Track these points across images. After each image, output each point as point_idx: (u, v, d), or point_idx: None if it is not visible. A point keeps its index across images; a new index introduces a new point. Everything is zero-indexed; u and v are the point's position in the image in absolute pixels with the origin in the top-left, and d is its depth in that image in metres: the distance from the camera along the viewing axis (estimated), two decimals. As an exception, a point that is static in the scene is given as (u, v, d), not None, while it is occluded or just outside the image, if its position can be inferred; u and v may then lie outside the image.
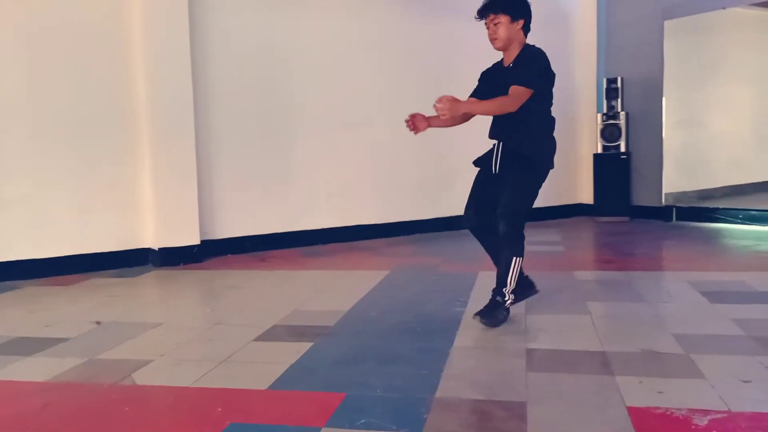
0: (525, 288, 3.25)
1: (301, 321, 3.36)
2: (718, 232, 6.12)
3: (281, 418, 2.16)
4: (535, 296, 3.35)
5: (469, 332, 3.04)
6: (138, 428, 2.12)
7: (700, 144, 7.84)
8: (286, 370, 2.59)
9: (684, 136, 7.28)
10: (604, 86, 7.05)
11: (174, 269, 4.91)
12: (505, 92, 3.03)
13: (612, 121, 6.96)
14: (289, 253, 5.43)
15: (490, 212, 3.14)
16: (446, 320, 3.24)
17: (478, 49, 6.69)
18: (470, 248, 5.48)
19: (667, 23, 6.75)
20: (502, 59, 3.24)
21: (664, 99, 6.82)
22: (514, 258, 3.07)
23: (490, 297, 3.15)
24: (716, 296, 3.57)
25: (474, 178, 3.35)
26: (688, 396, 2.21)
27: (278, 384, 2.44)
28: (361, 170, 6.06)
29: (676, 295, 3.69)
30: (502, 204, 3.03)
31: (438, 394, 2.29)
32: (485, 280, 4.18)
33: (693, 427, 1.96)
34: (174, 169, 4.97)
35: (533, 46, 3.16)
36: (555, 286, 3.98)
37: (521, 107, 3.02)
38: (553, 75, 3.14)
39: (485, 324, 3.06)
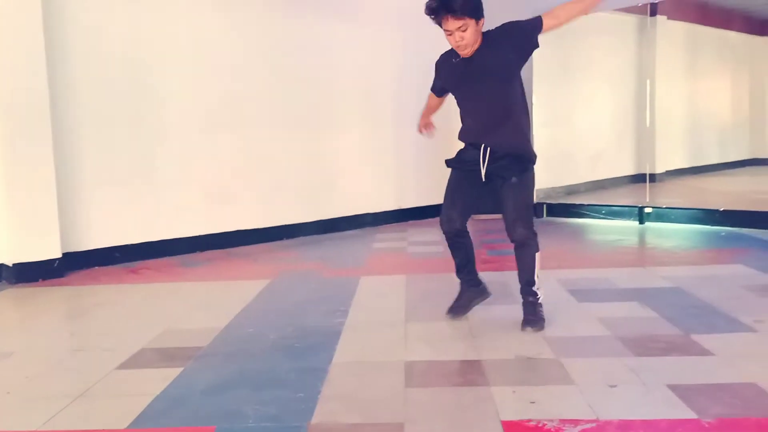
0: (479, 293, 3.33)
1: (172, 342, 3.15)
2: (584, 228, 6.47)
3: (144, 461, 1.99)
4: (453, 303, 3.37)
5: (350, 345, 2.98)
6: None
7: (565, 141, 8.25)
8: (151, 402, 2.41)
9: (550, 134, 7.62)
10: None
11: (32, 286, 4.48)
12: (474, 85, 2.95)
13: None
14: (164, 264, 5.12)
15: (469, 216, 3.17)
16: (327, 333, 3.16)
17: (357, 50, 6.71)
18: (353, 252, 5.48)
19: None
20: (452, 53, 3.00)
21: (533, 98, 7.10)
22: (537, 254, 3.12)
23: (524, 301, 3.16)
24: (583, 295, 3.75)
25: (451, 180, 3.21)
26: (560, 405, 2.27)
27: (140, 421, 2.26)
28: (240, 173, 5.83)
29: (547, 295, 3.81)
30: (515, 209, 3.02)
31: (314, 420, 2.20)
32: (367, 286, 4.16)
33: (563, 439, 2.01)
34: (28, 174, 4.53)
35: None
36: (436, 289, 4.02)
37: (506, 104, 2.97)
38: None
39: (537, 330, 3.05)
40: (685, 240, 5.52)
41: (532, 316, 3.14)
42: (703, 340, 2.87)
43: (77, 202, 4.90)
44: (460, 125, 3.21)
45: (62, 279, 4.65)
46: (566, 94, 8.12)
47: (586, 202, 7.14)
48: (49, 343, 3.28)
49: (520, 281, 3.18)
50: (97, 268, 4.95)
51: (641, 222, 6.53)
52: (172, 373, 2.71)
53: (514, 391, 2.40)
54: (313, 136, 6.33)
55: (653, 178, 8.50)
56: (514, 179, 2.99)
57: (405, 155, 7.09)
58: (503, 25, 2.99)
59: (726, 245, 5.19)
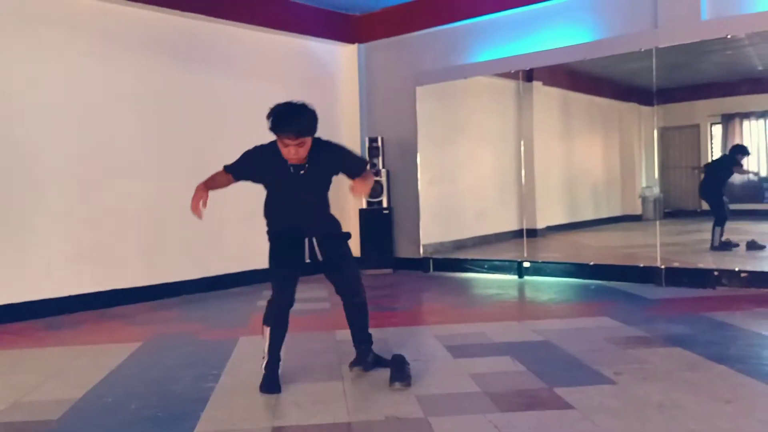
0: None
1: (19, 416, 2.90)
2: (468, 282, 6.65)
3: None
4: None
5: (216, 412, 2.86)
6: None
7: (452, 198, 8.54)
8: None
9: (437, 191, 7.88)
10: (367, 145, 7.41)
11: None
12: (297, 189, 3.21)
13: (375, 178, 7.30)
14: (27, 327, 4.77)
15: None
16: (194, 400, 3.03)
17: (242, 107, 6.71)
18: (235, 310, 5.33)
19: (418, 89, 7.32)
20: (276, 151, 3.15)
21: (418, 157, 7.35)
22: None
23: (381, 357, 3.44)
24: (459, 350, 3.82)
25: (281, 263, 3.35)
26: (423, 465, 2.27)
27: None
28: (118, 228, 5.59)
29: (424, 351, 3.88)
30: (354, 277, 3.43)
31: (168, 496, 2.08)
32: (246, 347, 4.04)
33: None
34: None
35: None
36: (314, 348, 3.97)
37: (322, 194, 3.35)
38: None
39: (407, 385, 3.11)
40: (559, 293, 5.79)
41: (400, 371, 3.18)
42: (566, 393, 2.98)
43: None
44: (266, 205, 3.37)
45: None
46: (451, 152, 8.44)
47: (470, 257, 7.38)
48: None
49: (365, 338, 3.46)
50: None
51: (520, 276, 6.80)
52: (18, 449, 2.49)
53: (379, 454, 2.38)
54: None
55: (534, 233, 8.92)
56: (342, 253, 3.39)
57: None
58: (337, 149, 3.32)
59: (594, 298, 5.49)
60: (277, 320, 3.23)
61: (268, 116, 3.06)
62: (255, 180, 3.33)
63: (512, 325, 4.55)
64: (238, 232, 6.54)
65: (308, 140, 3.09)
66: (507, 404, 2.87)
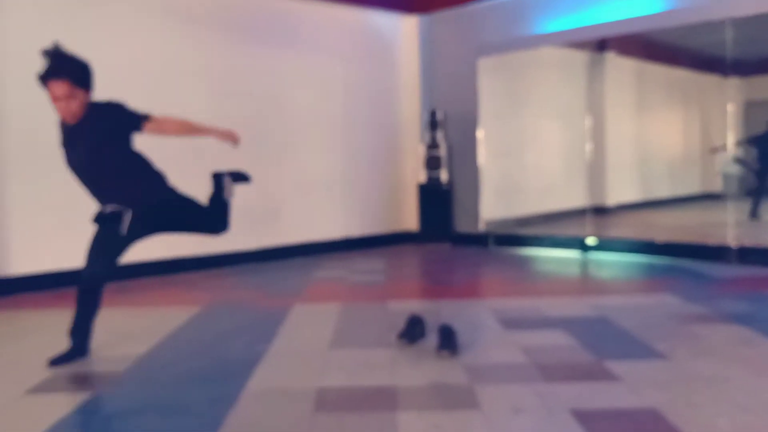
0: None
1: (89, 367, 3.09)
2: (528, 258, 6.56)
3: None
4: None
5: (266, 374, 2.95)
6: None
7: (515, 173, 8.40)
8: (52, 427, 2.36)
9: (500, 166, 7.77)
10: (427, 118, 7.36)
11: (-46, 312, 4.36)
12: (72, 151, 3.07)
13: (434, 153, 7.28)
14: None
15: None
16: (245, 361, 3.13)
17: (304, 79, 6.78)
18: (292, 280, 5.45)
19: (481, 61, 7.20)
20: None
21: (479, 131, 7.25)
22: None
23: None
24: (511, 323, 3.79)
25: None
26: (461, 428, 2.29)
27: (38, 447, 2.21)
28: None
29: (477, 323, 3.86)
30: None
31: (212, 446, 2.18)
32: (299, 314, 4.15)
33: (456, 463, 2.02)
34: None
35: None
36: (366, 318, 4.03)
37: (99, 169, 3.15)
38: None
39: (454, 354, 3.09)
40: (622, 271, 5.63)
41: (447, 341, 3.18)
42: (615, 366, 2.92)
43: (2, 229, 4.80)
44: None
45: (-13, 305, 4.54)
46: (514, 127, 8.28)
47: (532, 233, 7.26)
48: (-42, 369, 3.19)
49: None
50: (24, 294, 4.84)
51: (584, 253, 6.65)
52: (82, 397, 2.67)
53: (419, 417, 2.40)
54: (260, 162, 6.34)
55: (604, 210, 8.68)
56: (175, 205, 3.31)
57: (354, 185, 7.13)
58: (109, 105, 3.09)
59: (659, 276, 5.31)
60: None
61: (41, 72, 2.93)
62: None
63: (569, 300, 4.47)
64: (298, 205, 6.67)
65: (78, 92, 2.93)
66: (553, 375, 2.84)
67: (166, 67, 5.69)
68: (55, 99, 2.90)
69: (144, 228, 3.20)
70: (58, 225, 5.03)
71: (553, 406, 2.47)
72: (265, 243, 6.36)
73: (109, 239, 3.13)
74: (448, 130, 7.43)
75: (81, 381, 2.91)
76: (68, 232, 5.10)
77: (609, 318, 3.85)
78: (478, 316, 4.04)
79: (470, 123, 7.30)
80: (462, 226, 7.51)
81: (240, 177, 3.76)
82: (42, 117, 4.97)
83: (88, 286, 3.14)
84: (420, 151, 7.38)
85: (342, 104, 7.03)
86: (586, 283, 5.29)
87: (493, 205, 7.54)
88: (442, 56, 7.64)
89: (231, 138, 3.26)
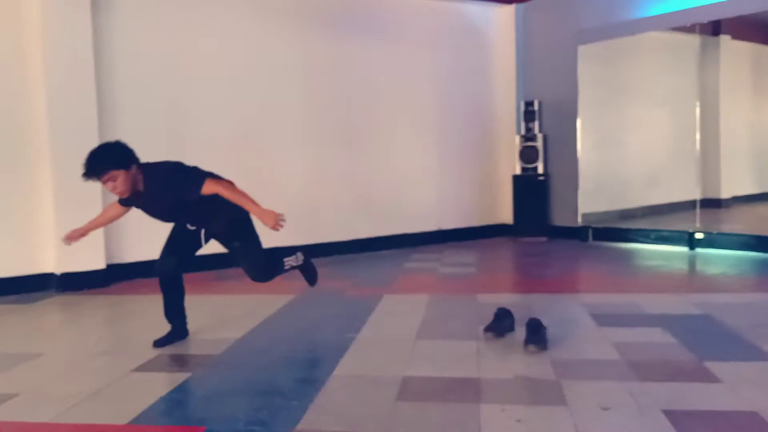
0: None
1: (188, 350, 3.29)
2: (629, 253, 6.29)
3: (131, 457, 2.10)
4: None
5: (354, 360, 3.02)
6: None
7: (619, 165, 8.06)
8: (154, 403, 2.53)
9: (601, 158, 7.48)
10: (522, 109, 7.21)
11: (77, 295, 4.75)
12: (154, 211, 3.41)
13: (530, 143, 7.12)
14: (200, 277, 5.30)
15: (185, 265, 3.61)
16: (335, 348, 3.21)
17: (395, 70, 6.82)
18: (383, 271, 5.52)
19: (581, 48, 6.96)
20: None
21: (579, 121, 7.01)
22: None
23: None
24: (605, 319, 3.66)
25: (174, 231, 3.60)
26: (545, 424, 2.25)
27: (139, 419, 2.38)
28: (273, 191, 5.98)
29: (569, 318, 3.76)
30: (253, 267, 3.62)
31: (299, 426, 2.26)
32: (388, 304, 4.20)
33: (537, 457, 1.99)
34: (77, 192, 4.81)
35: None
36: (454, 310, 4.02)
37: (189, 211, 3.45)
38: None
39: (542, 349, 3.06)
40: (732, 267, 5.28)
41: (535, 335, 3.11)
42: (715, 367, 2.76)
43: (121, 219, 5.15)
44: None
45: (105, 289, 4.91)
46: (616, 116, 7.95)
47: (634, 227, 6.96)
48: (76, 346, 3.48)
49: None
50: (138, 279, 5.18)
51: (691, 248, 6.30)
52: (181, 377, 2.83)
53: (503, 410, 2.38)
54: (351, 155, 6.46)
55: (718, 203, 8.16)
56: (236, 243, 3.46)
57: (446, 177, 7.11)
58: (167, 175, 3.26)
59: (774, 273, 4.95)
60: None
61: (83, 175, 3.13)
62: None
63: (671, 297, 4.25)
64: (389, 197, 6.73)
65: (118, 173, 3.09)
66: (647, 374, 2.72)
67: (257, 62, 5.91)
68: (103, 185, 3.15)
69: (214, 238, 3.50)
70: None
71: (645, 405, 2.37)
72: (356, 235, 6.47)
73: (183, 237, 3.48)
74: (545, 120, 7.25)
75: (181, 362, 3.10)
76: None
77: (714, 316, 3.64)
78: (571, 310, 3.93)
79: (568, 112, 7.08)
80: (559, 219, 7.31)
81: (311, 276, 3.97)
82: (149, 113, 5.34)
83: (165, 276, 3.42)
84: (515, 142, 7.25)
85: (434, 96, 7.02)
86: (691, 280, 5.02)
87: (593, 197, 7.28)
88: (539, 45, 7.45)
89: (269, 220, 3.19)
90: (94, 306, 4.45)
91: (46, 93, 4.77)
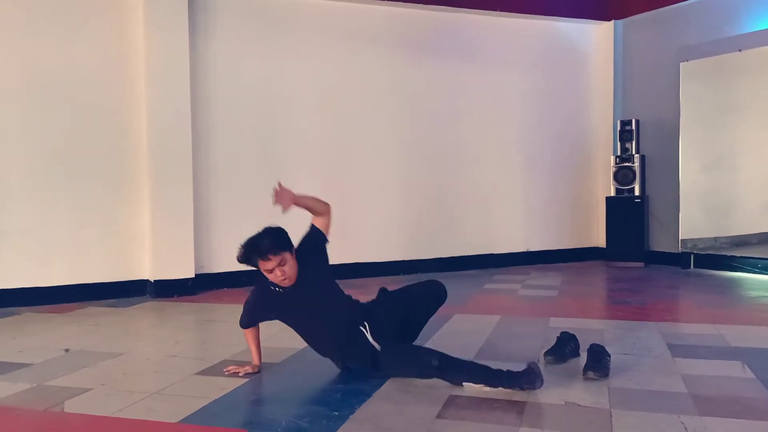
0: None
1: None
2: (733, 282, 5.85)
3: (172, 452, 2.23)
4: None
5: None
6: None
7: (731, 188, 7.54)
8: (206, 405, 2.66)
9: (705, 180, 7.03)
10: (618, 128, 6.94)
11: (167, 301, 5.08)
12: (311, 306, 3.07)
13: (626, 164, 6.83)
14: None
15: None
16: (390, 363, 3.23)
17: (482, 92, 6.79)
18: (461, 290, 5.46)
19: (683, 65, 6.61)
20: (273, 286, 3.06)
21: (680, 141, 6.64)
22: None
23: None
24: (681, 350, 3.44)
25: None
26: (581, 452, 2.15)
27: (189, 419, 2.51)
28: (359, 209, 6.13)
29: (641, 346, 3.56)
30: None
31: (333, 436, 2.30)
32: (456, 323, 4.17)
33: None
34: (171, 206, 5.20)
35: None
36: (522, 332, 3.92)
37: (340, 300, 3.18)
38: None
39: (602, 376, 2.90)
40: None
41: (596, 362, 2.98)
42: (792, 406, 2.52)
43: (209, 231, 5.50)
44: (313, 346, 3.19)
45: (193, 296, 5.22)
46: (725, 136, 7.44)
47: (740, 255, 6.47)
48: (154, 348, 3.73)
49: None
50: (225, 289, 5.47)
51: (810, 280, 5.77)
52: (237, 382, 2.97)
53: (541, 435, 2.31)
54: (437, 174, 6.50)
55: None
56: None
57: (536, 197, 6.97)
58: (307, 240, 3.19)
59: None
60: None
61: (239, 258, 3.00)
62: (271, 318, 3.22)
63: (764, 330, 3.92)
64: (477, 217, 6.68)
65: (287, 255, 2.93)
66: (711, 409, 2.53)
67: (348, 85, 6.09)
68: (270, 272, 2.95)
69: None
70: (254, 229, 5.59)
71: (696, 441, 2.21)
72: (442, 253, 6.47)
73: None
74: (643, 140, 6.93)
75: (243, 367, 3.24)
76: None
77: (807, 353, 3.32)
78: (645, 338, 3.72)
79: (670, 132, 6.73)
80: (657, 244, 6.93)
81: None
82: (242, 134, 5.65)
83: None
84: (611, 163, 6.97)
85: (526, 116, 6.92)
86: (795, 313, 4.60)
87: (696, 221, 6.85)
88: (638, 62, 7.16)
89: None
90: (180, 312, 4.74)
91: (147, 113, 5.19)
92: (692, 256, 6.68)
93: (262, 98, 5.76)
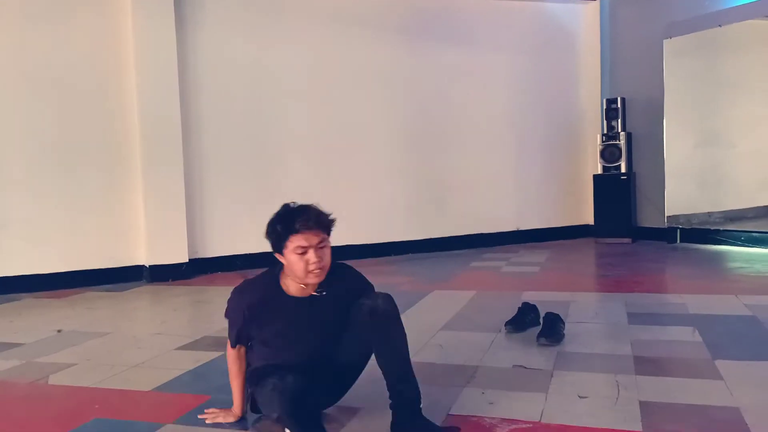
0: None
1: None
2: (717, 255, 5.96)
3: (141, 415, 2.44)
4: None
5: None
6: (5, 420, 2.45)
7: (713, 163, 7.59)
8: (179, 375, 2.87)
9: (692, 156, 7.11)
10: (604, 107, 7.03)
11: (162, 285, 5.30)
12: (312, 330, 2.32)
13: (612, 142, 6.92)
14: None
15: None
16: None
17: (473, 73, 6.90)
18: (447, 269, 5.62)
19: (666, 42, 6.67)
20: (278, 285, 2.35)
21: (665, 119, 6.72)
22: None
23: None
24: (639, 318, 3.58)
25: None
26: (514, 408, 2.32)
27: (162, 387, 2.72)
28: (352, 192, 6.29)
29: (603, 316, 3.72)
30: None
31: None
32: (432, 299, 4.34)
33: (485, 435, 2.09)
34: (163, 193, 5.40)
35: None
36: (493, 305, 4.09)
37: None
38: None
39: (554, 342, 3.04)
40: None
41: (549, 329, 3.14)
42: (726, 366, 2.67)
43: (203, 216, 5.70)
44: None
45: (188, 280, 5.43)
46: (714, 113, 7.50)
47: (725, 228, 6.56)
48: (140, 327, 3.95)
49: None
50: (219, 273, 5.68)
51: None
52: (213, 356, 3.16)
53: (483, 393, 2.48)
54: (426, 155, 6.64)
55: None
56: None
57: (525, 177, 7.09)
58: (351, 273, 2.53)
59: None
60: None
61: (271, 230, 2.28)
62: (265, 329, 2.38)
63: (726, 298, 4.05)
64: (465, 197, 6.82)
65: (329, 241, 2.31)
66: (649, 369, 2.69)
67: (337, 70, 6.23)
68: (304, 251, 2.21)
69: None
70: (246, 214, 5.79)
71: (625, 396, 2.37)
72: (431, 234, 6.62)
73: None
74: (630, 118, 7.01)
75: (220, 343, 3.40)
76: (255, 220, 5.88)
77: (759, 318, 3.46)
78: (608, 308, 3.88)
79: (655, 110, 6.80)
80: (644, 220, 7.04)
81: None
82: (232, 121, 5.83)
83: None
84: (597, 141, 7.07)
85: (514, 96, 7.02)
86: (763, 282, 4.70)
87: (684, 197, 6.94)
88: (624, 41, 7.22)
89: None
90: (173, 295, 4.95)
91: (138, 101, 5.37)
92: (678, 231, 6.78)
93: (252, 83, 5.92)
